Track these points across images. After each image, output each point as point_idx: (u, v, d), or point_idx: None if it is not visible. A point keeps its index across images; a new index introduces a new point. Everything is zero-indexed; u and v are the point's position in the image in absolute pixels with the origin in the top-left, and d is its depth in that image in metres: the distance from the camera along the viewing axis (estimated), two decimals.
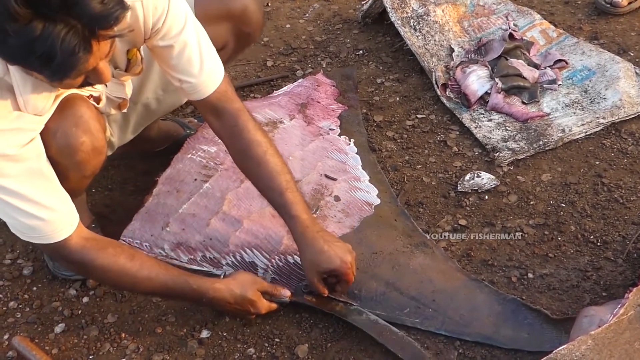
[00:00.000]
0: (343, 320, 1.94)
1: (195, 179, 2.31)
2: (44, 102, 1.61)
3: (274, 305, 1.94)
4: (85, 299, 2.07)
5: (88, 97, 1.83)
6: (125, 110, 2.04)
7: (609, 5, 3.18)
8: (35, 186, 1.63)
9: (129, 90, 1.97)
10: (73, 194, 1.93)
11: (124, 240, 2.14)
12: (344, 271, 1.90)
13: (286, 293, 1.94)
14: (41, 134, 1.66)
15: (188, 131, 2.58)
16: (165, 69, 1.85)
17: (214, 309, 1.97)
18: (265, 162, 1.91)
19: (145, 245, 2.13)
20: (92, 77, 1.51)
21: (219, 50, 1.97)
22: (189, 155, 2.39)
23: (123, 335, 1.96)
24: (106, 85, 1.87)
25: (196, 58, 1.81)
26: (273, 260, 2.08)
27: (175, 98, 2.25)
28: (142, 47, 1.82)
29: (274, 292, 1.94)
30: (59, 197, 1.70)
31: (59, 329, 1.99)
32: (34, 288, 2.13)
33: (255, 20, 2.24)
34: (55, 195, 1.69)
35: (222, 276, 1.97)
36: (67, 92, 1.71)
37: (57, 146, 1.72)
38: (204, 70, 1.83)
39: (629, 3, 3.16)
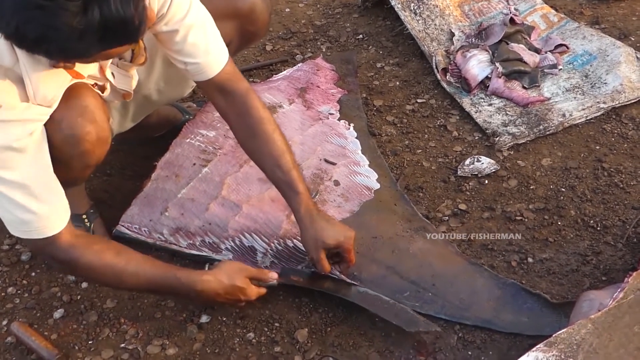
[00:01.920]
0: (343, 304, 1.94)
1: (194, 164, 2.30)
2: (54, 92, 1.62)
3: (262, 290, 1.92)
4: (84, 284, 2.06)
5: (93, 85, 1.82)
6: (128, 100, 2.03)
7: None
8: (33, 179, 1.62)
9: (134, 83, 1.97)
10: (74, 182, 1.93)
11: (122, 226, 2.14)
12: (347, 246, 1.91)
13: (273, 276, 1.93)
14: (46, 123, 1.66)
15: (187, 116, 2.57)
16: (169, 53, 1.85)
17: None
18: (274, 139, 1.92)
19: (144, 231, 2.13)
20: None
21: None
22: (188, 140, 2.38)
23: (122, 320, 1.96)
24: (113, 76, 1.87)
25: (201, 40, 1.81)
26: (272, 244, 2.08)
27: (176, 91, 2.24)
28: (144, 37, 1.82)
29: (262, 277, 1.92)
30: (54, 191, 1.69)
31: (58, 314, 1.99)
32: (33, 274, 2.12)
33: (262, 20, 2.25)
34: (51, 190, 1.69)
35: (206, 268, 1.94)
36: (74, 81, 1.70)
37: (62, 136, 1.72)
38: (210, 51, 1.84)
39: None
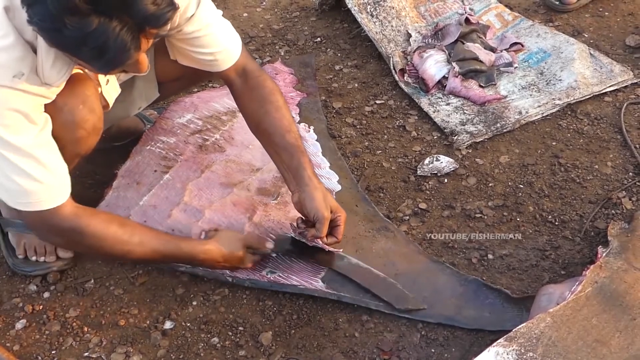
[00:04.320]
0: (306, 308, 1.95)
1: (155, 170, 2.30)
2: (58, 76, 1.63)
3: (257, 257, 2.01)
4: (46, 294, 2.04)
5: None
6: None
7: (558, 3, 3.19)
8: (43, 149, 1.65)
9: (115, 96, 2.01)
10: None
11: None
12: (344, 215, 1.99)
13: (269, 246, 1.99)
14: (48, 108, 1.68)
15: (149, 125, 2.55)
16: (191, 49, 1.91)
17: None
18: (286, 109, 2.04)
19: None
20: (130, 68, 1.56)
21: (174, 81, 2.18)
22: (148, 147, 2.37)
23: (85, 329, 1.95)
24: (107, 82, 1.93)
25: (222, 28, 1.94)
26: None
27: (121, 109, 2.21)
28: None
29: (259, 246, 1.99)
30: (60, 163, 1.71)
31: (20, 325, 1.96)
32: None
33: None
34: (57, 161, 1.70)
35: (202, 236, 2.01)
36: (77, 70, 1.74)
37: (62, 120, 1.75)
38: (231, 35, 1.97)
39: (578, 0, 3.19)
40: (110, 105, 1.99)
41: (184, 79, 2.23)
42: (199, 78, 2.36)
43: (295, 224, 2.02)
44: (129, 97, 2.16)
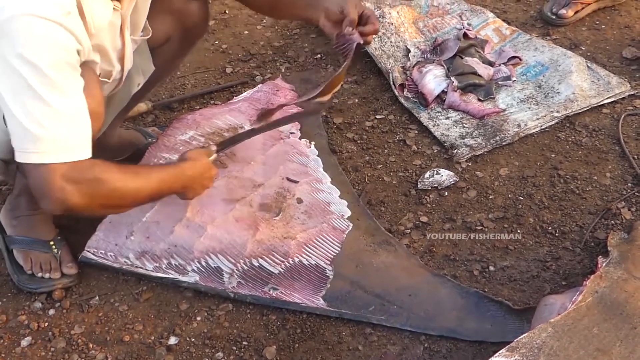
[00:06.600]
0: (310, 321, 1.97)
1: None
2: (104, 10, 1.72)
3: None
4: (51, 311, 2.05)
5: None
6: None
7: (554, 17, 3.22)
8: (81, 97, 1.64)
9: (129, 66, 2.02)
10: None
11: (88, 251, 2.13)
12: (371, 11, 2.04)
13: (213, 147, 2.15)
14: None
15: (150, 139, 2.57)
16: None
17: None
18: None
19: (110, 255, 2.13)
20: None
21: (163, 44, 2.15)
22: (151, 164, 2.39)
23: (91, 345, 1.96)
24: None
25: None
26: (239, 265, 2.09)
27: (123, 90, 2.19)
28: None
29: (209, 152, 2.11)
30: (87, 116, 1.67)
31: (25, 342, 1.97)
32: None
33: (199, 12, 2.26)
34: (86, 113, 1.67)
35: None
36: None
37: None
38: None
39: (575, 13, 3.21)
40: (124, 78, 2.01)
41: (173, 40, 2.23)
42: (188, 37, 2.30)
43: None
44: (127, 74, 2.16)
